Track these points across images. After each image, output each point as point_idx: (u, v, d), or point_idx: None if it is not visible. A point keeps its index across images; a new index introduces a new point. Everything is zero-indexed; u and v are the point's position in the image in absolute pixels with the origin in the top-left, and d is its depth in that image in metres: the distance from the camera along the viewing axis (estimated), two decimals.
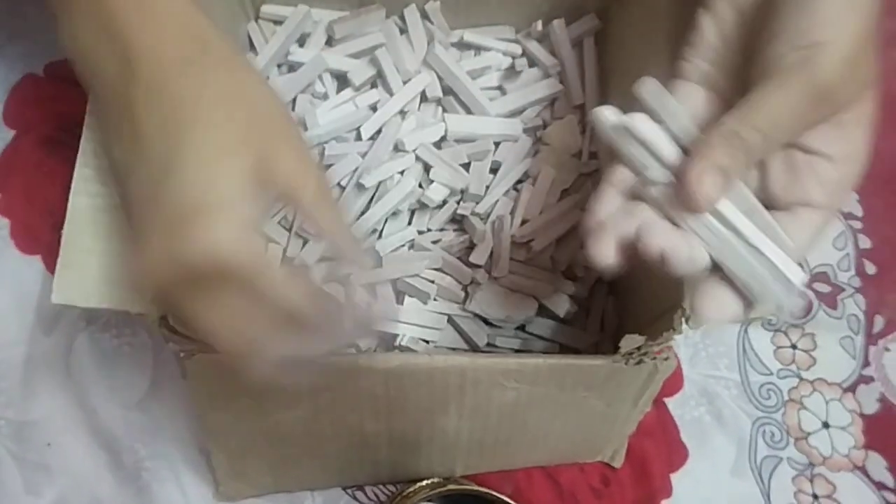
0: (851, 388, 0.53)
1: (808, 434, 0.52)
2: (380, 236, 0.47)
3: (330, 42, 0.51)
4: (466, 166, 0.48)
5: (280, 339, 0.29)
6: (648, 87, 0.31)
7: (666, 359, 0.37)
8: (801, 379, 0.53)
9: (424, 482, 0.45)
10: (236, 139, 0.29)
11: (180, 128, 0.28)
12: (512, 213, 0.48)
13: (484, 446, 0.43)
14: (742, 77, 0.33)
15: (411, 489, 0.45)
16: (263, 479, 0.45)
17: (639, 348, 0.35)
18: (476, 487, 0.44)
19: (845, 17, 0.29)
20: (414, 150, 0.47)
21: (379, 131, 0.48)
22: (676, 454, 0.50)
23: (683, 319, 0.36)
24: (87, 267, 0.34)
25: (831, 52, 0.29)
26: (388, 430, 0.41)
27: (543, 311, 0.47)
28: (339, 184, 0.47)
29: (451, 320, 0.47)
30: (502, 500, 0.43)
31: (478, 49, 0.52)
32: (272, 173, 0.30)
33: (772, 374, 0.53)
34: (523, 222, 0.47)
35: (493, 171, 0.49)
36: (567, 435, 0.43)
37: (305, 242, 0.47)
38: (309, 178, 0.31)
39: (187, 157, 0.28)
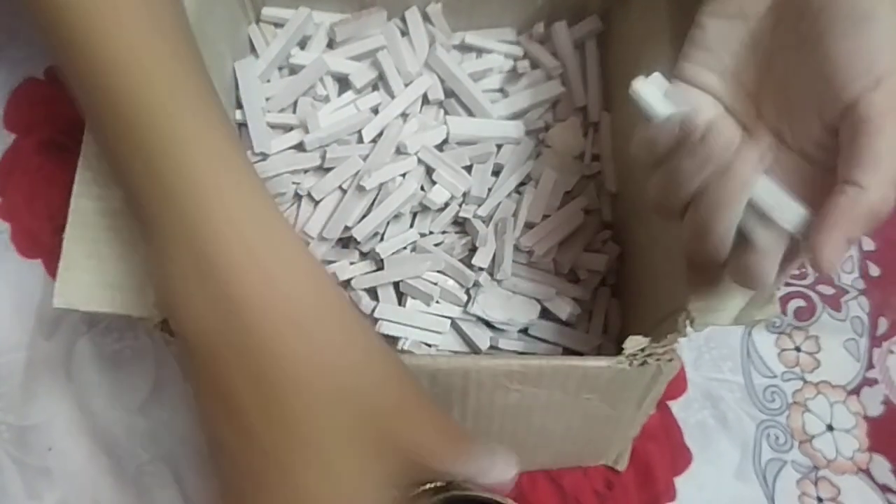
0: (856, 391, 0.53)
1: (813, 437, 0.52)
2: (381, 239, 0.47)
3: (331, 44, 0.51)
4: (468, 169, 0.48)
5: None
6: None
7: (670, 360, 0.37)
8: (805, 382, 0.53)
9: (427, 486, 0.45)
10: (364, 441, 0.27)
11: (293, 431, 0.26)
12: (514, 215, 0.48)
13: None
14: (749, 83, 0.33)
15: (414, 493, 0.44)
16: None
17: (642, 350, 0.35)
18: (480, 493, 0.44)
19: None
20: (416, 153, 0.47)
21: (380, 134, 0.48)
22: (680, 458, 0.50)
23: (688, 322, 0.36)
24: (88, 271, 0.34)
25: None
26: None
27: (546, 314, 0.47)
28: (340, 187, 0.47)
29: (453, 324, 0.47)
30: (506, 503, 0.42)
31: (479, 51, 0.52)
32: (413, 461, 0.29)
33: (776, 376, 0.53)
34: (526, 224, 0.47)
35: (496, 173, 0.49)
36: (570, 438, 0.43)
37: (307, 245, 0.47)
38: (448, 446, 0.30)
39: (310, 466, 0.26)
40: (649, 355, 0.35)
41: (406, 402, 0.29)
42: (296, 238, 0.29)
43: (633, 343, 0.35)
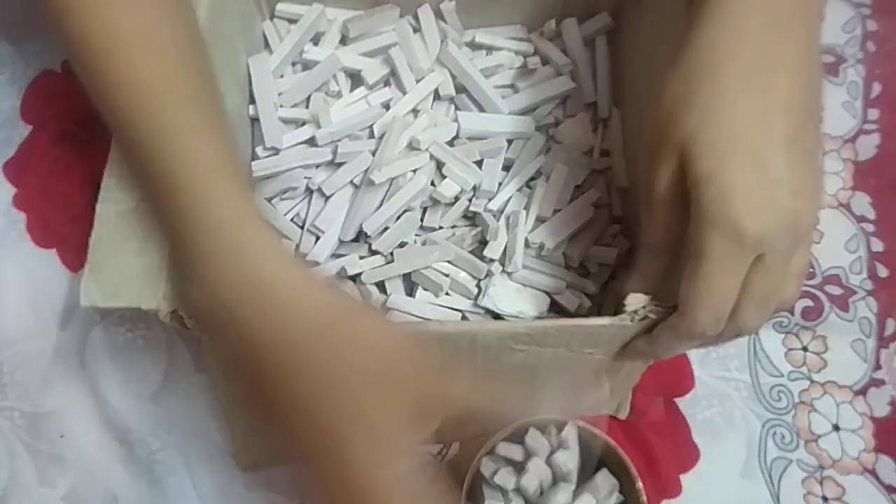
0: (862, 391, 0.53)
1: (819, 436, 0.52)
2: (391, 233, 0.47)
3: (344, 41, 0.51)
4: (479, 164, 0.49)
5: None
6: None
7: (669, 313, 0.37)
8: (812, 381, 0.53)
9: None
10: (392, 410, 0.31)
11: (339, 414, 0.30)
12: (526, 209, 0.48)
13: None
14: None
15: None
16: (279, 450, 0.45)
17: (644, 306, 0.36)
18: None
19: None
20: (427, 149, 0.47)
21: (390, 129, 0.48)
22: (688, 454, 0.50)
23: None
24: (107, 269, 0.35)
25: None
26: None
27: (555, 307, 0.47)
28: (351, 182, 0.47)
29: (463, 317, 0.47)
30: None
31: (490, 48, 0.52)
32: (432, 413, 0.32)
33: (782, 376, 0.53)
34: (537, 219, 0.48)
35: (506, 168, 0.49)
36: (574, 390, 0.44)
37: (317, 239, 0.47)
38: (475, 395, 0.34)
39: (356, 443, 0.30)
40: (650, 311, 0.36)
41: (428, 368, 0.32)
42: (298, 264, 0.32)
43: (635, 301, 0.36)
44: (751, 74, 0.31)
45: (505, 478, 0.40)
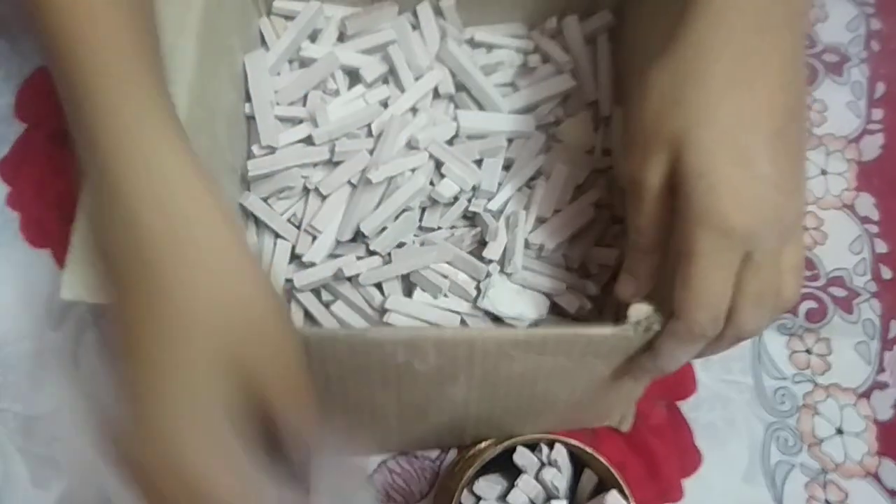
0: (866, 394, 0.52)
1: (822, 440, 0.51)
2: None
3: (342, 38, 0.50)
4: (479, 163, 0.48)
5: None
6: None
7: None
8: (816, 384, 0.52)
9: (483, 444, 0.44)
10: (219, 361, 0.29)
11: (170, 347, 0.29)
12: (525, 209, 0.47)
13: (493, 415, 0.43)
14: None
15: (472, 452, 0.44)
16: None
17: (647, 317, 0.36)
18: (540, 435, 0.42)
19: None
20: (426, 148, 0.47)
21: (388, 127, 0.48)
22: (690, 458, 0.50)
23: None
24: (95, 263, 0.34)
25: None
26: (397, 400, 0.41)
27: (556, 309, 0.47)
28: (349, 181, 0.47)
29: (461, 320, 0.46)
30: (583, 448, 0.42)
31: (490, 47, 0.52)
32: (257, 392, 0.30)
33: (786, 378, 0.52)
34: (537, 219, 0.47)
35: (506, 167, 0.49)
36: (575, 402, 0.43)
37: (314, 239, 0.46)
38: (293, 395, 0.32)
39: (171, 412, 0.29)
40: (653, 322, 0.35)
41: (271, 343, 0.31)
42: (202, 175, 0.31)
43: (637, 311, 0.35)
44: (736, 74, 0.32)
45: None
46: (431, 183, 0.47)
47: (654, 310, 0.36)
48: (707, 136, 0.32)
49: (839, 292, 0.55)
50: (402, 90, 0.49)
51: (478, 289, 0.46)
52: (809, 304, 0.54)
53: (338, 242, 0.47)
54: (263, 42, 0.51)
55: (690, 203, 0.31)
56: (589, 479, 0.41)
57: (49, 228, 0.50)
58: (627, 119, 0.36)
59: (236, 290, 0.30)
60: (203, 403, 0.29)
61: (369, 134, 0.48)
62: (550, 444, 0.40)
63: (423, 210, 0.48)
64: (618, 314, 0.48)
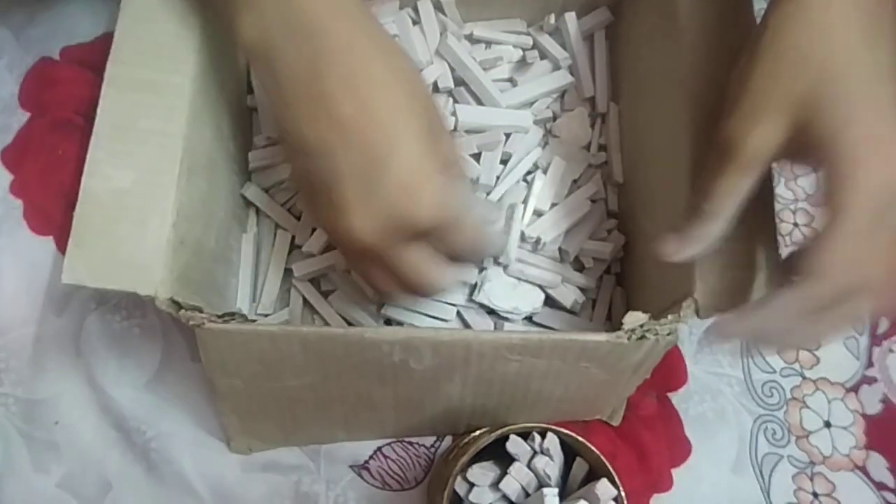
0: (854, 389, 0.53)
1: (810, 433, 0.52)
2: None
3: None
4: (477, 157, 0.49)
5: (451, 272, 0.38)
6: None
7: (668, 334, 0.37)
8: (804, 378, 0.53)
9: (478, 432, 0.45)
10: (422, 124, 0.35)
11: (381, 114, 0.34)
12: (523, 202, 0.48)
13: (486, 409, 0.44)
14: None
15: (466, 440, 0.45)
16: (273, 435, 0.46)
17: (641, 325, 0.36)
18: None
19: None
20: None
21: None
22: (680, 449, 0.50)
23: (695, 311, 0.37)
24: (97, 248, 0.35)
25: None
26: (394, 395, 0.41)
27: (551, 302, 0.48)
28: None
29: (457, 312, 0.47)
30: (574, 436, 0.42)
31: (489, 42, 0.52)
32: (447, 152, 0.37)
33: (775, 372, 0.53)
34: (534, 212, 0.48)
35: (504, 161, 0.49)
36: (568, 398, 0.44)
37: (313, 230, 0.47)
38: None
39: (399, 143, 0.34)
40: (648, 331, 0.36)
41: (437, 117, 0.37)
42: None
43: (633, 319, 0.36)
44: (866, 29, 0.32)
45: (480, 494, 0.41)
46: None
47: (650, 319, 0.36)
48: (843, 92, 0.31)
49: None
50: None
51: (474, 281, 0.47)
52: None
53: None
54: None
55: (834, 162, 0.31)
56: (580, 467, 0.42)
57: (52, 216, 0.50)
58: (730, 83, 0.35)
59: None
60: None
61: None
62: (543, 434, 0.41)
63: None
64: (611, 308, 0.49)
